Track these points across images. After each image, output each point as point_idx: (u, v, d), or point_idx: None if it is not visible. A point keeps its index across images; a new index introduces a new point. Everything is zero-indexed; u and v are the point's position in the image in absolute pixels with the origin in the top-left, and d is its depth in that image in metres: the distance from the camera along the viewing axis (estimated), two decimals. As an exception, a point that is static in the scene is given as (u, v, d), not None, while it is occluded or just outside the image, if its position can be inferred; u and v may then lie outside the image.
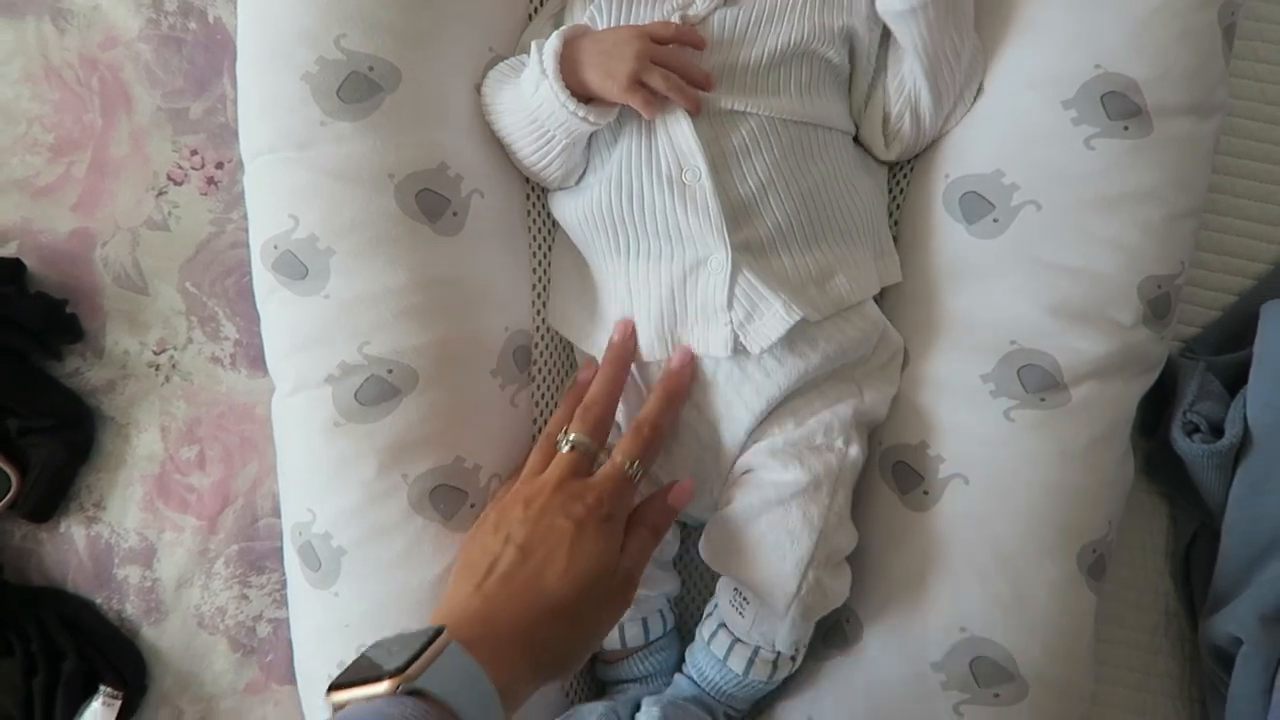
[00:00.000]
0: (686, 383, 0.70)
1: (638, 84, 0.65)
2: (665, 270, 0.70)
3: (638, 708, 0.71)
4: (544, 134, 0.70)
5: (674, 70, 0.66)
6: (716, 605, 0.72)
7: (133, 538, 0.79)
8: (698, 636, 0.74)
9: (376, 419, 0.68)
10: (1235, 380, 0.73)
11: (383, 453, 0.68)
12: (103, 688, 0.74)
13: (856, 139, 0.76)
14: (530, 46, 0.68)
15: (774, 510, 0.67)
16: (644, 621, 0.74)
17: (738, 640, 0.70)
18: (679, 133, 0.68)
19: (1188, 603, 0.78)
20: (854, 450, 0.70)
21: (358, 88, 0.68)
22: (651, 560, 0.70)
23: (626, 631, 0.73)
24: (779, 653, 0.70)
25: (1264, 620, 0.69)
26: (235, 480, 0.80)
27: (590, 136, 0.71)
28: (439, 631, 0.54)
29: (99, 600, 0.79)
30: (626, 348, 0.71)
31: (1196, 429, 0.72)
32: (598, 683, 0.78)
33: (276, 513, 0.78)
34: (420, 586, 0.68)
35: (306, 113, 0.68)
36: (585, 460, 0.66)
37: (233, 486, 0.80)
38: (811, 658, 0.75)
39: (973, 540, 0.69)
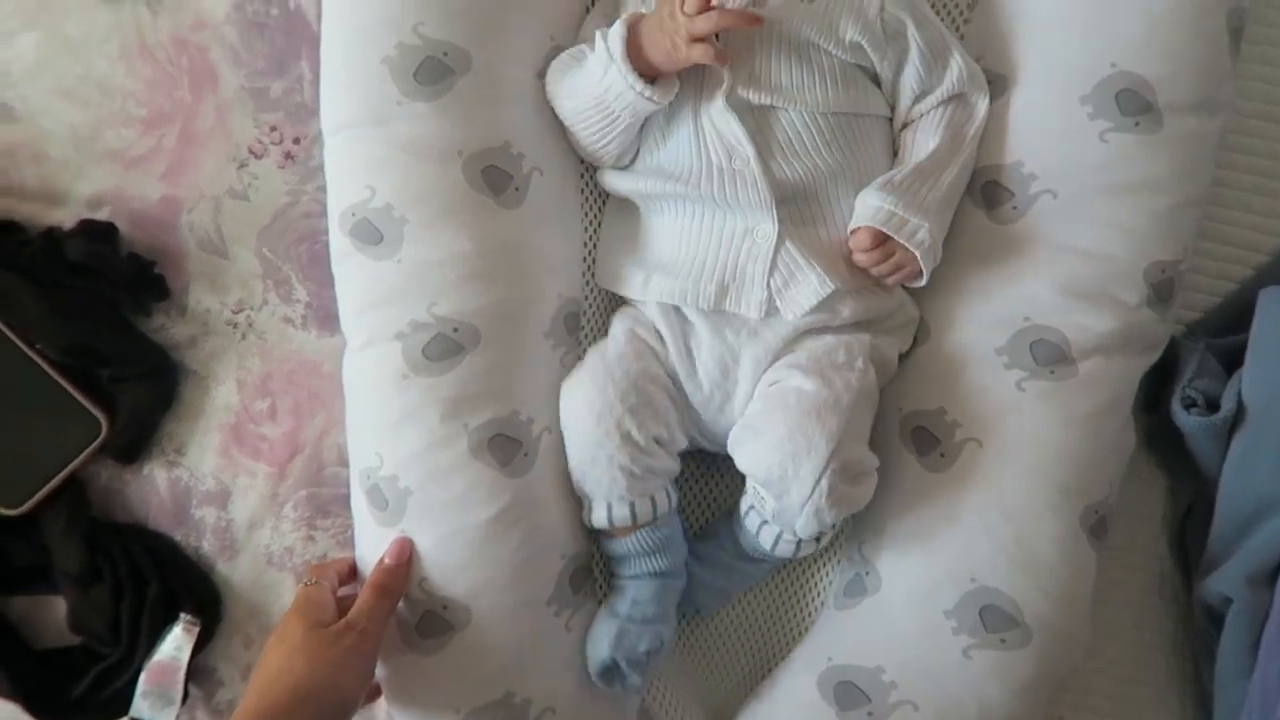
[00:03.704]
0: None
1: (696, 39, 0.70)
2: (715, 233, 0.76)
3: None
4: (609, 115, 0.76)
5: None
6: (747, 490, 0.77)
7: (209, 481, 0.86)
8: (738, 508, 0.79)
9: (441, 373, 0.75)
10: (1232, 361, 0.79)
11: (446, 403, 0.74)
12: (183, 614, 0.81)
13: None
14: (594, 36, 0.74)
15: (795, 418, 0.72)
16: (652, 497, 0.77)
17: (765, 522, 0.76)
18: (725, 129, 0.74)
19: (1182, 567, 0.84)
20: (871, 374, 0.75)
21: (432, 71, 0.75)
22: (666, 443, 0.76)
23: (637, 507, 0.77)
24: (800, 539, 0.76)
25: (1251, 580, 0.74)
26: (304, 431, 0.86)
27: (642, 129, 0.77)
28: None
29: (177, 538, 0.86)
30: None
31: (1194, 403, 0.78)
32: (605, 561, 0.82)
33: (341, 462, 0.85)
34: (476, 525, 0.74)
35: (385, 92, 0.75)
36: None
37: (301, 436, 0.86)
38: (834, 607, 0.81)
39: (984, 499, 0.74)
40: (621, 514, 0.77)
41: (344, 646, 0.70)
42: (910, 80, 0.77)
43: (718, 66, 0.72)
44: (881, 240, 0.74)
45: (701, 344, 0.77)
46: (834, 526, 0.77)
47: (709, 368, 0.77)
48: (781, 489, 0.72)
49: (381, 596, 0.73)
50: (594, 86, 0.75)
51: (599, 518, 0.78)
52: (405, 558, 0.75)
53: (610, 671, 0.77)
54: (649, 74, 0.73)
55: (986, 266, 0.77)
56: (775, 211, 0.74)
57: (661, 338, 0.78)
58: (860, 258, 0.74)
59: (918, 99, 0.77)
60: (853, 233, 0.75)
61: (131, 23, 0.87)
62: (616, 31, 0.73)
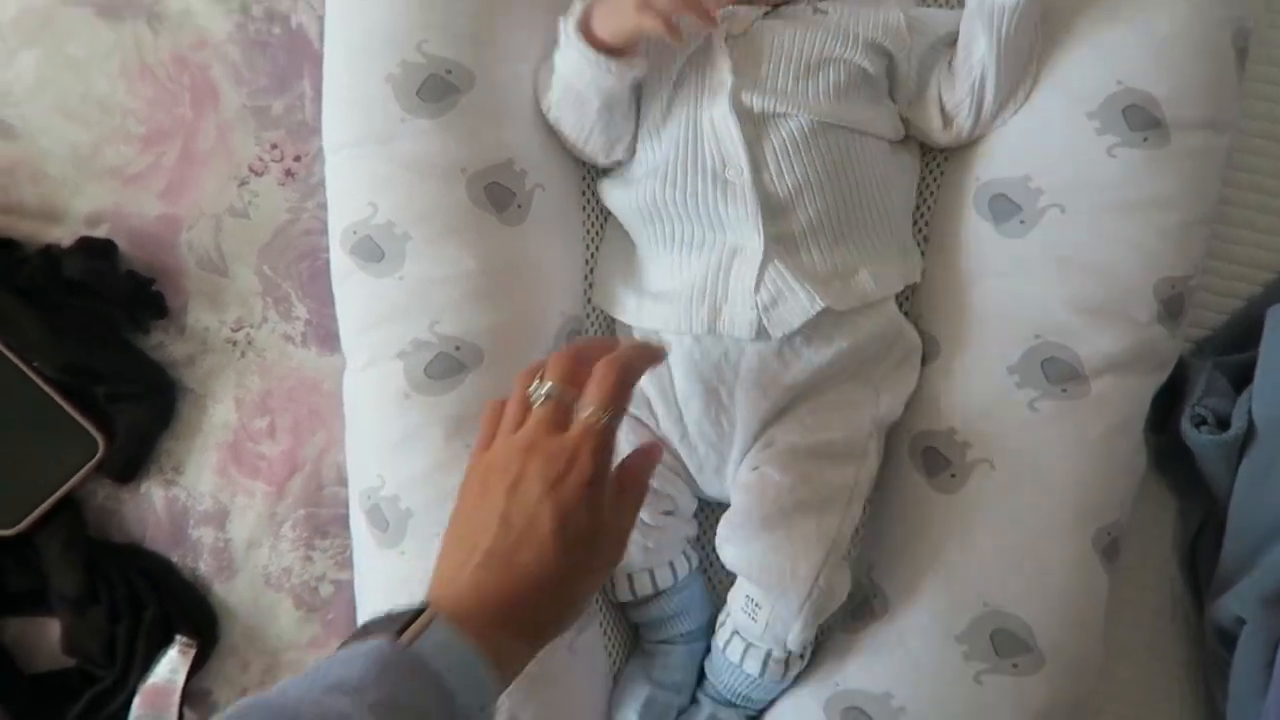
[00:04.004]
0: (655, 355, 0.67)
1: (644, 5, 0.68)
2: (706, 257, 0.75)
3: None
4: (579, 100, 0.75)
5: None
6: (729, 614, 0.76)
7: (207, 500, 0.85)
8: (714, 645, 0.78)
9: (444, 392, 0.74)
10: (1241, 379, 0.78)
11: (449, 423, 0.73)
12: (178, 637, 0.80)
13: (902, 140, 0.80)
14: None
15: (792, 519, 0.71)
16: (671, 564, 0.78)
17: (751, 645, 0.75)
18: (725, 133, 0.73)
19: (1194, 588, 0.83)
20: (871, 461, 0.75)
21: (436, 89, 0.74)
22: (678, 512, 0.76)
23: (657, 575, 0.77)
24: (790, 652, 0.75)
25: (1266, 601, 0.73)
26: (303, 449, 0.85)
27: (638, 130, 0.76)
28: (424, 608, 0.56)
29: (174, 558, 0.84)
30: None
31: (1204, 421, 0.77)
32: (630, 627, 0.82)
33: (341, 481, 0.83)
34: (479, 546, 0.73)
35: (388, 110, 0.75)
36: (562, 413, 0.61)
37: (301, 455, 0.85)
38: (841, 631, 0.80)
39: (996, 521, 0.73)
40: (643, 584, 0.77)
41: (609, 558, 0.60)
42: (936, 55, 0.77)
43: (678, 46, 0.69)
44: None
45: (692, 402, 0.76)
46: (812, 640, 0.76)
47: (704, 429, 0.76)
48: (780, 591, 0.72)
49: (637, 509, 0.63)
50: (561, 73, 0.74)
51: (622, 593, 0.78)
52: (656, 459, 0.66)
53: None
54: (607, 47, 0.71)
55: (995, 282, 0.76)
56: (762, 227, 0.73)
57: (651, 407, 0.77)
58: None
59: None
60: None
61: (132, 41, 0.86)
62: (572, 10, 0.72)
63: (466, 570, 0.58)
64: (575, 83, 0.74)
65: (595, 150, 0.79)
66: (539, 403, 0.61)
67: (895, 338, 0.78)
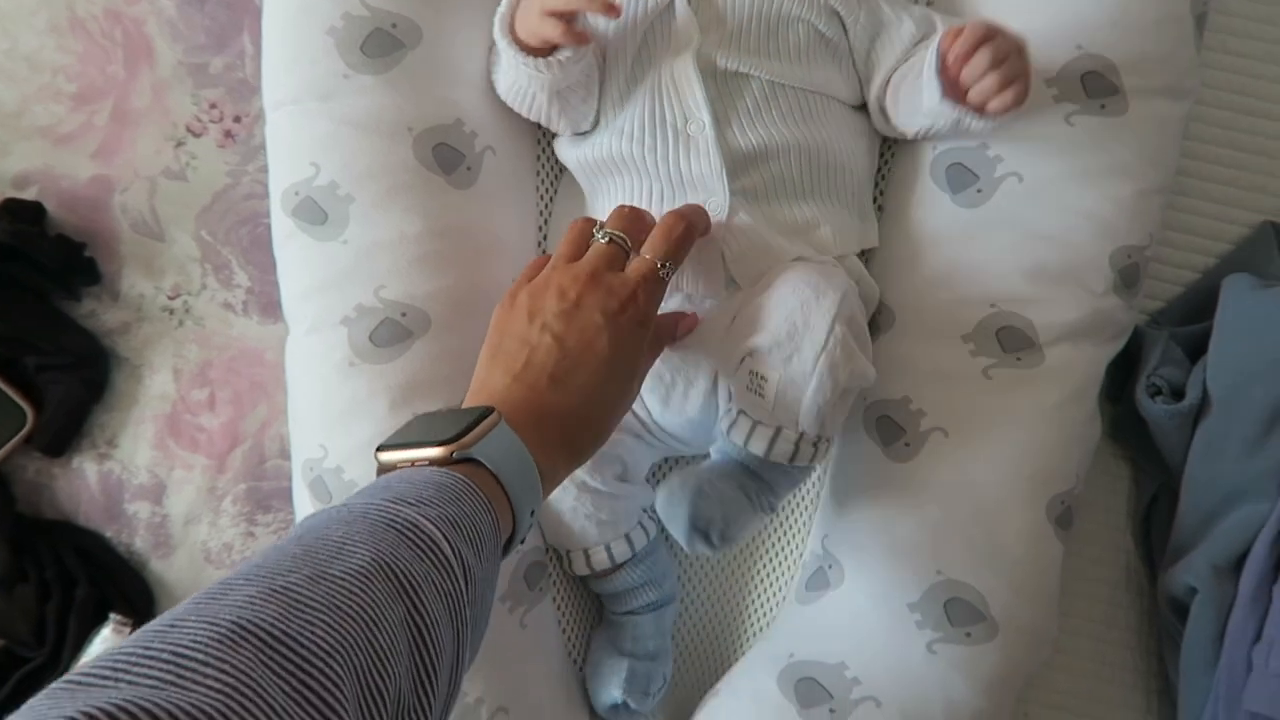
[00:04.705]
0: (709, 222, 0.70)
1: (550, 13, 0.66)
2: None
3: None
4: (525, 94, 0.73)
5: None
6: (733, 396, 0.69)
7: (143, 474, 0.82)
8: (718, 430, 0.70)
9: (389, 360, 0.71)
10: (1196, 349, 0.78)
11: (394, 391, 0.71)
12: (113, 615, 0.77)
13: (863, 105, 0.78)
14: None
15: (799, 285, 0.67)
16: (627, 537, 0.76)
17: (758, 423, 0.67)
18: (686, 88, 0.71)
19: (1147, 559, 0.83)
20: (854, 286, 0.71)
21: (381, 43, 0.72)
22: (629, 477, 0.75)
23: (614, 549, 0.75)
24: (802, 433, 0.67)
25: (1217, 570, 0.73)
26: (244, 422, 0.83)
27: (602, 93, 0.74)
28: (489, 410, 0.56)
29: (109, 534, 0.82)
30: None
31: (1159, 391, 0.77)
32: (584, 601, 0.82)
33: (283, 454, 0.81)
34: (426, 520, 0.71)
35: (330, 65, 0.72)
36: (621, 256, 0.64)
37: (241, 428, 0.83)
38: (796, 602, 0.79)
39: (950, 489, 0.73)
40: (600, 559, 0.76)
41: (633, 396, 0.63)
42: (884, 36, 0.75)
43: (577, 46, 0.68)
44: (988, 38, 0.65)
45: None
46: (831, 434, 0.69)
47: (668, 356, 0.74)
48: (791, 348, 0.66)
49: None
50: (505, 70, 0.73)
51: (579, 567, 0.77)
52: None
53: (617, 708, 0.76)
54: (533, 46, 0.69)
55: (951, 251, 0.75)
56: (727, 182, 0.71)
57: None
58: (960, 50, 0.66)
59: (893, 48, 0.75)
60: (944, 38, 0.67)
61: (62, -7, 0.83)
62: (500, 11, 0.70)
63: (519, 385, 0.59)
64: (518, 80, 0.72)
65: (560, 128, 0.76)
66: (604, 240, 0.65)
67: (859, 277, 0.76)
